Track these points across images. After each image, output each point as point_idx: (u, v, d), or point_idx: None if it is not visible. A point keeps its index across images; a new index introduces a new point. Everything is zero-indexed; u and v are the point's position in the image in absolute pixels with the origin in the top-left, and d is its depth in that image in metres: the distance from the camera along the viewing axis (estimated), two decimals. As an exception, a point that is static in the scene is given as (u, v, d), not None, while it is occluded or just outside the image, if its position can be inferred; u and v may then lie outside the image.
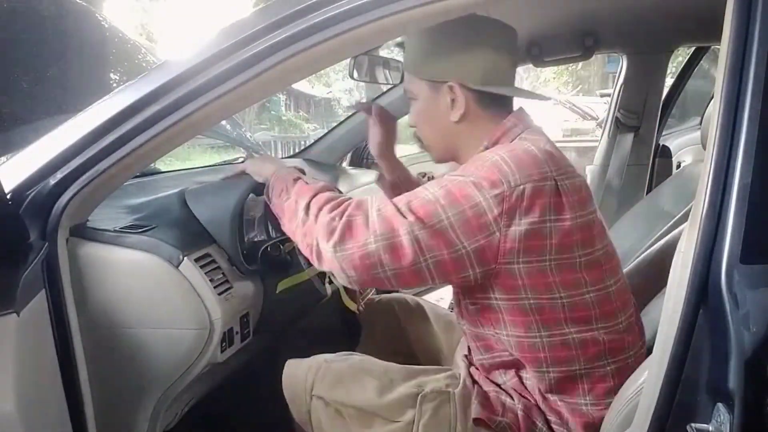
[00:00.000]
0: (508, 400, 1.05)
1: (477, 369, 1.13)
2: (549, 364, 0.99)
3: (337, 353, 1.17)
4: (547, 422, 1.03)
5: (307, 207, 0.98)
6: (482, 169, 0.92)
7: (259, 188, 1.23)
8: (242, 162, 1.17)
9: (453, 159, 1.11)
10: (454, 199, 0.90)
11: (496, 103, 1.04)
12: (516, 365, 1.05)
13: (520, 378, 1.06)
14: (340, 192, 1.08)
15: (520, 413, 1.03)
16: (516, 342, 1.00)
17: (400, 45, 2.04)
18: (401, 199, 0.94)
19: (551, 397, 1.02)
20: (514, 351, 1.01)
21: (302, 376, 1.12)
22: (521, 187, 0.89)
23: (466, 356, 1.19)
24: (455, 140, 1.07)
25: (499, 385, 1.08)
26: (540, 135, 1.01)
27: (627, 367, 1.00)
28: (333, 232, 0.92)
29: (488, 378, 1.11)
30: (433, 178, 2.92)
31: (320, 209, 0.96)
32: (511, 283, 0.94)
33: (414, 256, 0.90)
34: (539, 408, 1.04)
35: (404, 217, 0.91)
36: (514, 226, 0.90)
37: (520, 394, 1.05)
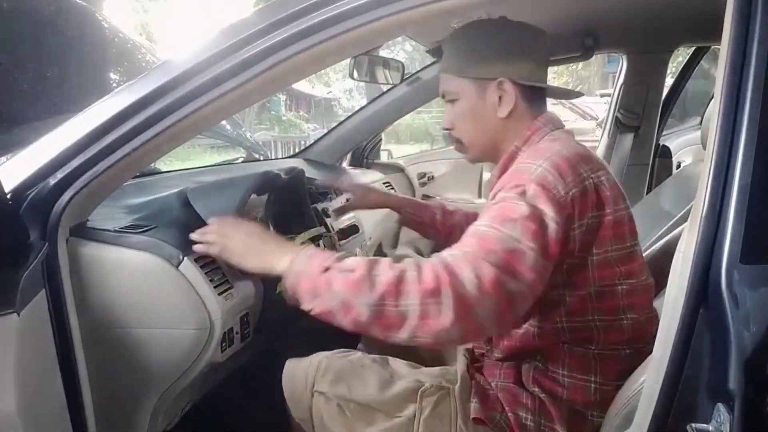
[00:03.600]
0: (506, 397, 1.06)
1: (477, 365, 1.15)
2: (570, 343, 1.01)
3: (337, 350, 1.17)
4: (539, 422, 1.04)
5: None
6: (531, 182, 0.91)
7: (261, 188, 1.23)
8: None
9: (490, 159, 1.13)
10: (526, 229, 0.87)
11: (537, 101, 1.08)
12: (532, 354, 1.05)
13: (519, 375, 1.07)
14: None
15: (518, 412, 1.04)
16: (539, 331, 1.01)
17: (432, 51, 2.04)
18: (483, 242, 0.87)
19: (542, 395, 1.03)
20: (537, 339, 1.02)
21: (303, 373, 1.12)
22: (570, 192, 0.91)
23: (467, 351, 1.19)
24: (498, 137, 1.08)
25: (497, 383, 1.09)
26: (568, 135, 1.06)
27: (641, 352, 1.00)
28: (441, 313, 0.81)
29: (486, 375, 1.12)
30: (433, 178, 2.93)
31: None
32: (581, 275, 0.97)
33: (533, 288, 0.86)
34: (531, 407, 1.04)
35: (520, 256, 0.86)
36: (573, 229, 0.93)
37: (517, 393, 1.06)
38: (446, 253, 0.86)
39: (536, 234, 0.86)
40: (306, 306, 0.89)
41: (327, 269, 0.87)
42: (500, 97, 1.05)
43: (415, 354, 1.40)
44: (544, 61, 1.10)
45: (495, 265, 0.82)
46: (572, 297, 0.98)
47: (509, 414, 1.04)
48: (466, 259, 0.83)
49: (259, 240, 1.00)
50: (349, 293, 0.84)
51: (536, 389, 1.04)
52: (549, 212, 0.88)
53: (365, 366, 1.11)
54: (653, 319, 1.04)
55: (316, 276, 0.88)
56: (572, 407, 1.02)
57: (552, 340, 1.02)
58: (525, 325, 1.03)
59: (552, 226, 0.88)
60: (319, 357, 1.14)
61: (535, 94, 1.07)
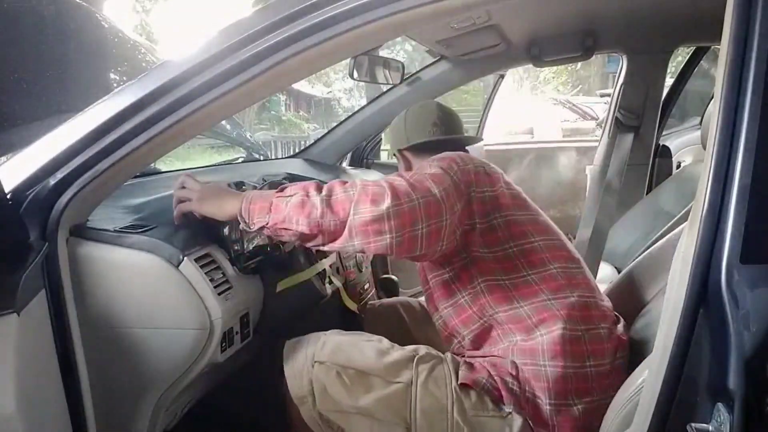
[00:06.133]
0: (490, 367, 1.13)
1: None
2: (518, 300, 1.13)
3: (334, 330, 1.25)
4: (520, 388, 1.10)
5: (330, 190, 1.02)
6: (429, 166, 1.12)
7: None
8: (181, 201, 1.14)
9: None
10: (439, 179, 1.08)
11: (426, 152, 1.31)
12: (491, 326, 1.16)
13: (496, 348, 1.15)
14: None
15: (505, 378, 1.11)
16: (486, 287, 1.14)
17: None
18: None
19: (519, 361, 1.12)
20: (487, 296, 1.15)
21: (302, 349, 1.19)
22: (466, 167, 1.14)
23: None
24: None
25: (481, 356, 1.17)
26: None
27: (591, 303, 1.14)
28: (381, 195, 0.98)
29: (471, 354, 1.20)
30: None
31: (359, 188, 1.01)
32: (494, 236, 1.14)
33: (442, 209, 1.03)
34: (511, 375, 1.11)
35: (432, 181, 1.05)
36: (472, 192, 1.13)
37: (497, 364, 1.14)
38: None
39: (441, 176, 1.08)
40: (260, 221, 1.03)
41: (282, 189, 1.05)
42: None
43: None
44: (427, 119, 1.38)
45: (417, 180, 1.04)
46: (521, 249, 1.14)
47: (496, 377, 1.11)
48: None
49: (216, 189, 1.12)
50: (303, 193, 1.01)
51: (518, 361, 1.11)
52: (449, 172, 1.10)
53: (362, 339, 1.20)
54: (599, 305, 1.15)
55: (270, 195, 1.04)
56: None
57: (500, 294, 1.13)
58: (474, 290, 1.16)
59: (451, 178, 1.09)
60: (317, 334, 1.22)
61: (424, 146, 1.35)
